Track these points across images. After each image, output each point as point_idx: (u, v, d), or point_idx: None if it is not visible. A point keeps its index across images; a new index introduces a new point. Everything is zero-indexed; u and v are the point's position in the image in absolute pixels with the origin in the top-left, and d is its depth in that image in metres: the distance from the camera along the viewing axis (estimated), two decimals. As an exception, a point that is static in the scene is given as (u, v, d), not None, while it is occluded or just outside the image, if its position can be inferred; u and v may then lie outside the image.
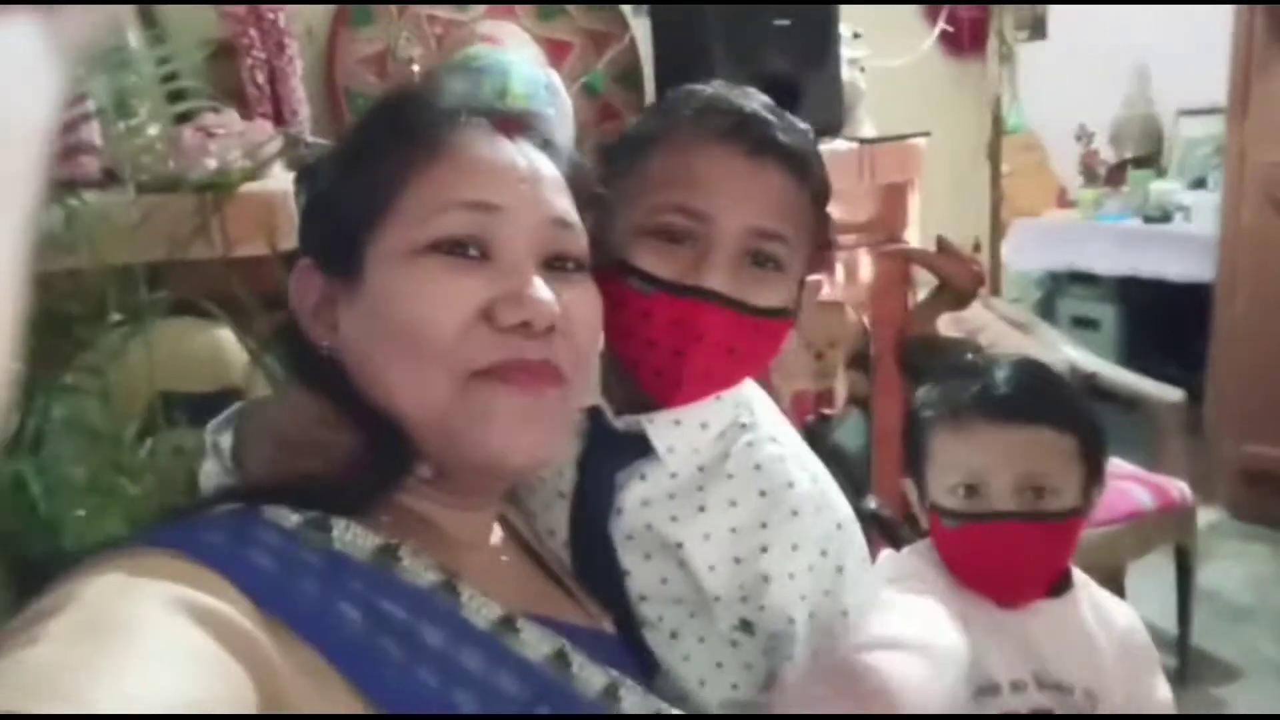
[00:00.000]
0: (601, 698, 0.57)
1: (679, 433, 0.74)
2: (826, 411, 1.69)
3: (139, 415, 1.31)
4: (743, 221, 0.69)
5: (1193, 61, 3.43)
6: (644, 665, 0.72)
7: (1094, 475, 0.89)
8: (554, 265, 0.60)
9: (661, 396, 0.72)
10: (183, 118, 1.45)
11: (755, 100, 0.72)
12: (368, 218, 0.57)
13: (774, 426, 0.78)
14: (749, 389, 0.79)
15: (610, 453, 0.75)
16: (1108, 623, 0.92)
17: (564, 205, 0.61)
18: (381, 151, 0.58)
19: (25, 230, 0.21)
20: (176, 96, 1.43)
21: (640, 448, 0.75)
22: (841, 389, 1.87)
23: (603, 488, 0.75)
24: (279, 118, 1.64)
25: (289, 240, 1.40)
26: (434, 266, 0.56)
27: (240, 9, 1.58)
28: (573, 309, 0.59)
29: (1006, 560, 0.85)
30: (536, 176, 0.59)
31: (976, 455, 0.85)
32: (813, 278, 0.75)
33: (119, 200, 1.28)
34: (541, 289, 0.56)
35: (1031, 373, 0.90)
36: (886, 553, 1.03)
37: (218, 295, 1.32)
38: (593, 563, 0.75)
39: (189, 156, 1.41)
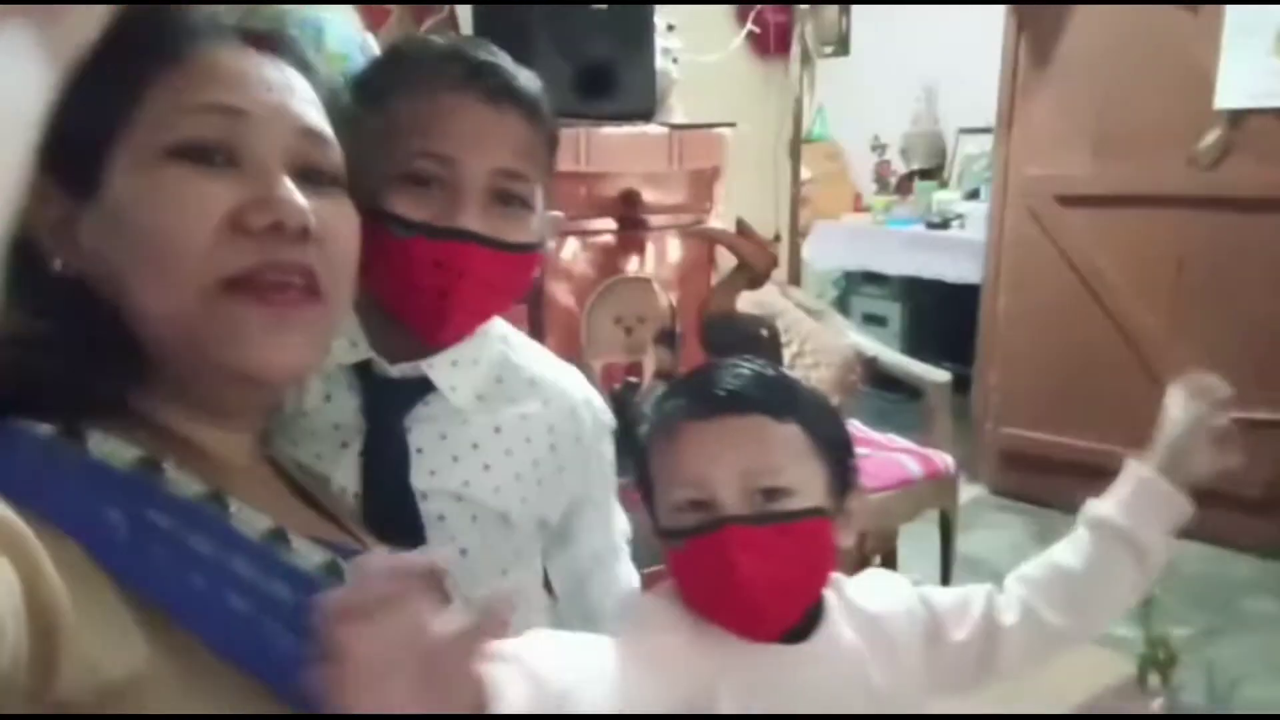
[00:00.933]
0: None
1: (458, 372, 0.80)
2: (632, 379, 1.77)
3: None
4: (488, 163, 0.73)
5: (974, 84, 3.78)
6: None
7: (840, 475, 0.76)
8: (309, 177, 0.58)
9: (431, 336, 0.77)
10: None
11: (491, 51, 0.77)
12: (106, 128, 0.54)
13: (528, 347, 0.88)
14: (498, 324, 0.86)
15: (393, 400, 0.78)
16: (869, 623, 0.78)
17: (315, 117, 0.59)
18: (120, 63, 0.53)
19: (6, 221, 0.21)
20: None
21: (420, 390, 0.79)
22: (649, 363, 1.96)
23: (395, 435, 0.78)
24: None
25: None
26: (178, 173, 0.54)
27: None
28: (328, 220, 0.58)
29: (739, 577, 0.68)
30: (286, 87, 0.58)
31: (692, 461, 0.71)
32: (553, 213, 0.82)
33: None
34: (292, 191, 0.55)
35: (742, 366, 0.76)
36: (634, 596, 0.94)
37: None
38: (390, 511, 0.77)
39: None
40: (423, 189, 0.73)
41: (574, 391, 0.88)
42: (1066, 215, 2.98)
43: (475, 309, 0.77)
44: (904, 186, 4.25)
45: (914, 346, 3.64)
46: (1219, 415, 0.82)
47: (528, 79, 0.77)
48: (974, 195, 3.94)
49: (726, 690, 0.69)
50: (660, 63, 1.95)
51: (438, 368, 0.79)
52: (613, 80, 1.83)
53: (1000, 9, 3.06)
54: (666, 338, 1.95)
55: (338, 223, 0.59)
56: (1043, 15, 2.95)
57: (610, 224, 1.88)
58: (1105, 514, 0.82)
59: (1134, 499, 0.81)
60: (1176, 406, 0.84)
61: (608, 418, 0.92)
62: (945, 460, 2.20)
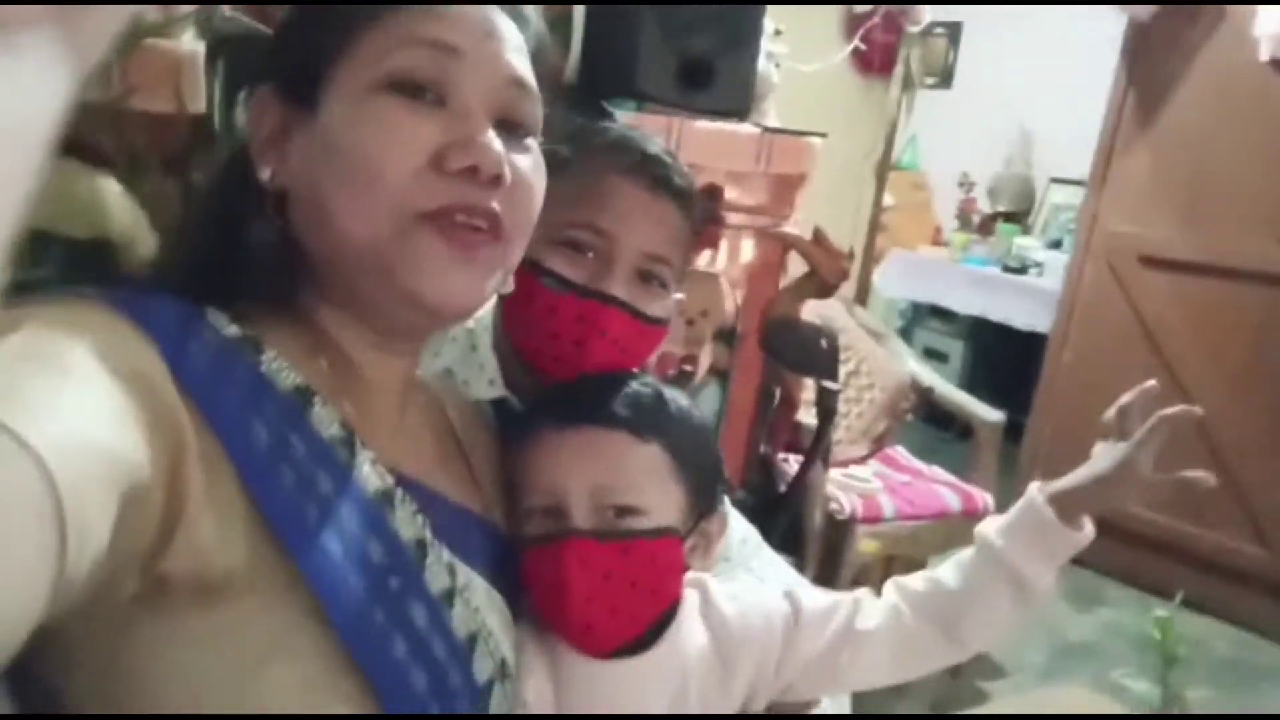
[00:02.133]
0: (440, 598, 0.61)
1: None
2: (687, 368, 1.79)
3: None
4: (640, 244, 0.81)
5: (1071, 135, 3.73)
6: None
7: (700, 499, 0.75)
8: (508, 128, 0.60)
9: (560, 379, 0.82)
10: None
11: (655, 144, 0.86)
12: (331, 47, 0.58)
13: None
14: None
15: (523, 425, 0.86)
16: (725, 625, 0.75)
17: (524, 68, 0.61)
18: None
19: (15, 224, 0.21)
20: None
21: None
22: (705, 358, 1.98)
23: None
24: (200, -16, 1.62)
25: (194, 104, 1.40)
26: (390, 106, 0.56)
27: None
28: (520, 170, 0.60)
29: (572, 592, 0.68)
30: (501, 35, 0.60)
31: (546, 468, 0.71)
32: (677, 296, 0.88)
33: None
34: (493, 139, 0.57)
35: (619, 381, 0.75)
36: None
37: (108, 144, 1.31)
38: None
39: (100, -3, 1.38)
40: (579, 254, 0.80)
41: None
42: (1147, 276, 2.93)
43: (604, 364, 0.82)
44: (986, 227, 4.20)
45: (971, 386, 3.59)
46: (1154, 437, 0.79)
47: (682, 174, 0.85)
48: (1056, 245, 3.88)
49: (562, 701, 0.70)
50: (762, 65, 1.97)
51: None
52: (713, 76, 1.85)
53: (1110, 63, 3.01)
54: (726, 335, 1.97)
55: (528, 173, 0.61)
56: (1153, 74, 2.90)
57: (687, 215, 1.91)
58: (987, 534, 0.79)
59: (1016, 524, 0.78)
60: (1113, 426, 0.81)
61: None
62: (985, 499, 2.18)
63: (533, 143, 0.63)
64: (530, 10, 0.65)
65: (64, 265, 1.20)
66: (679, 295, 0.89)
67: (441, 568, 0.61)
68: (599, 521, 0.70)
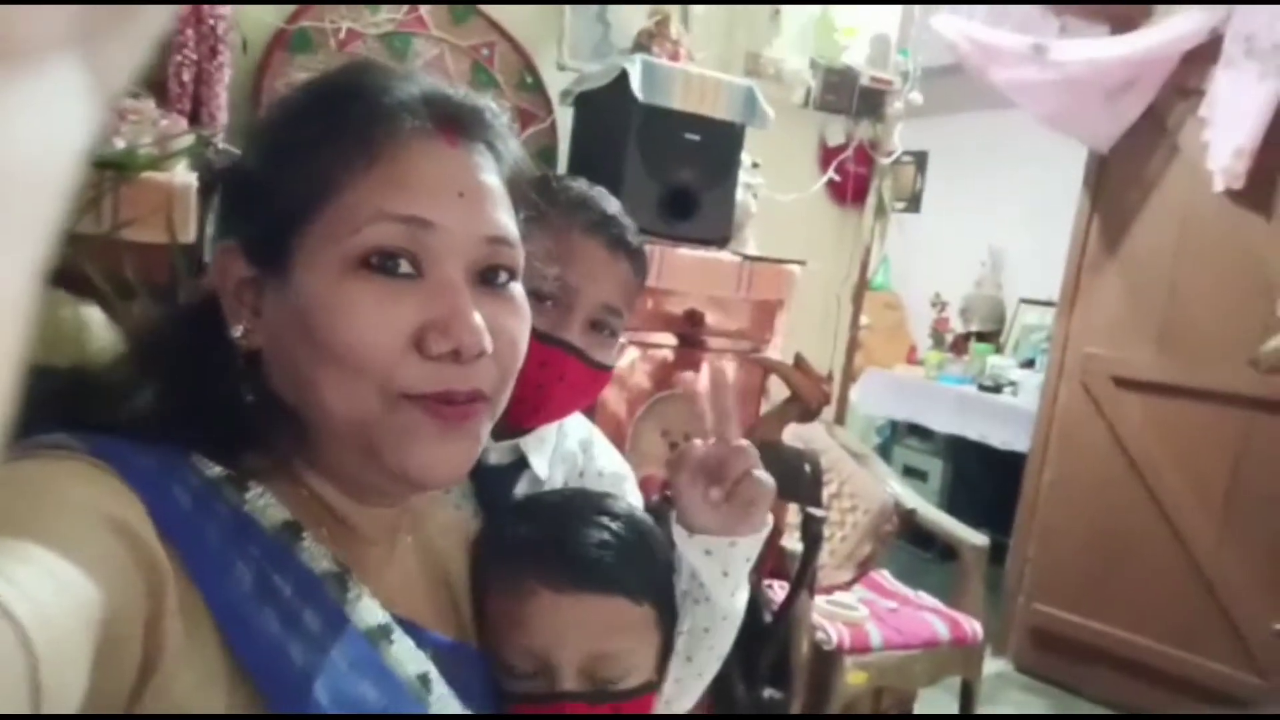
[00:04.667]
0: None
1: (543, 446, 0.95)
2: (669, 494, 1.77)
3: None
4: (598, 296, 0.89)
5: (1039, 257, 3.85)
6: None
7: (668, 645, 0.77)
8: (488, 278, 0.59)
9: (520, 420, 0.91)
10: (98, 95, 1.45)
11: (613, 204, 0.94)
12: (298, 214, 0.55)
13: (605, 449, 1.03)
14: (583, 424, 1.03)
15: (500, 483, 0.90)
16: None
17: (500, 220, 0.59)
18: (318, 149, 0.56)
19: (38, 270, 0.20)
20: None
21: (516, 470, 0.93)
22: (688, 482, 1.96)
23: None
24: (195, 118, 1.66)
25: (184, 234, 1.41)
26: (365, 288, 0.54)
27: (184, 8, 1.61)
28: (501, 326, 0.58)
29: None
30: (474, 188, 0.58)
31: (539, 633, 0.69)
32: (621, 340, 0.97)
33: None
34: (472, 317, 0.56)
35: (606, 530, 0.74)
36: None
37: (96, 274, 1.31)
38: None
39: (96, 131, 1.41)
40: (540, 303, 0.85)
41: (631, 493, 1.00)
42: (1123, 398, 2.97)
43: (561, 407, 0.92)
44: (959, 346, 4.28)
45: (952, 506, 3.59)
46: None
47: (635, 234, 0.94)
48: (1029, 364, 3.95)
49: None
50: (741, 195, 2.04)
51: (530, 442, 0.94)
52: (695, 206, 1.91)
53: (1074, 190, 3.13)
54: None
55: (510, 325, 0.60)
56: (1116, 203, 3.02)
57: (670, 340, 1.93)
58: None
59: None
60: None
61: None
62: (974, 627, 2.14)
63: (516, 287, 0.61)
64: (503, 129, 0.63)
65: (44, 393, 1.19)
66: (623, 340, 0.98)
67: (451, 701, 0.60)
68: (589, 682, 0.70)
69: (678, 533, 0.76)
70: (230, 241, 0.59)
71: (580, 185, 0.95)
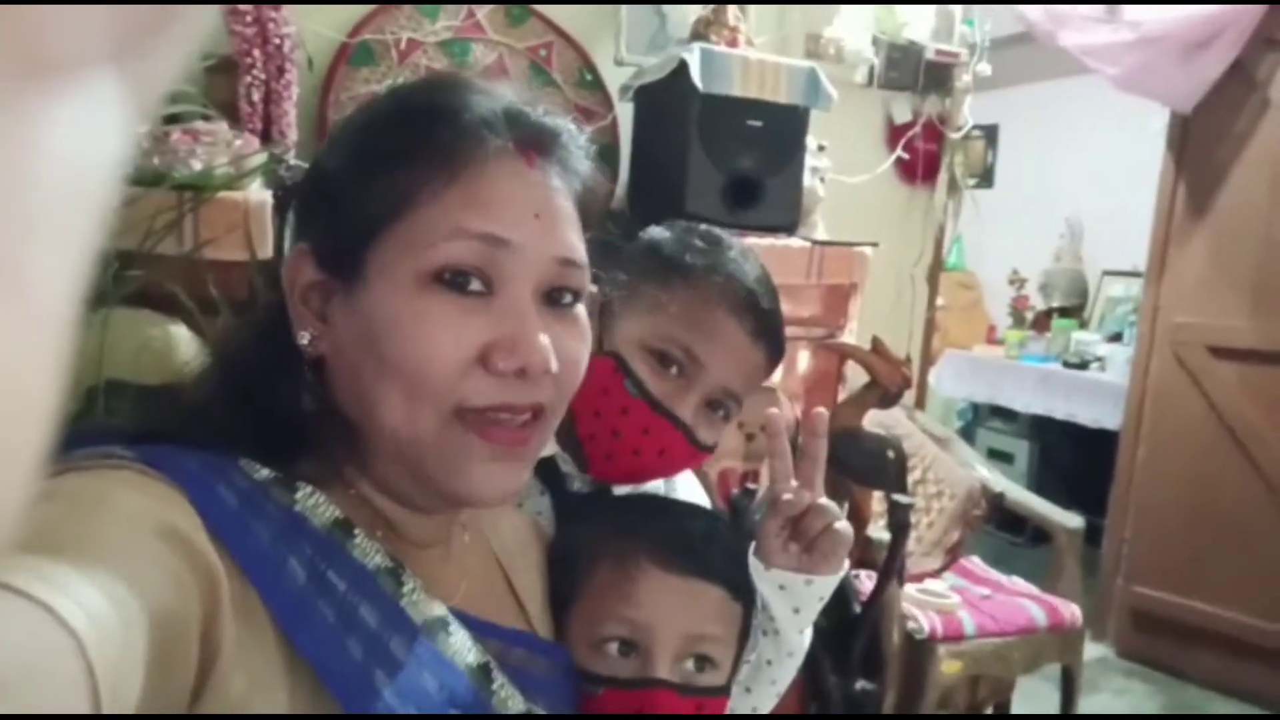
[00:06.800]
0: None
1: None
2: (750, 486, 1.75)
3: (79, 397, 1.31)
4: (724, 379, 0.82)
5: (1120, 226, 3.71)
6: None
7: (740, 652, 0.78)
8: (552, 298, 0.60)
9: (600, 473, 0.85)
10: (173, 119, 1.50)
11: (760, 274, 0.85)
12: (375, 224, 0.56)
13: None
14: None
15: (577, 510, 0.86)
16: None
17: (572, 241, 0.60)
18: (399, 160, 0.57)
19: (80, 281, 0.20)
20: (169, 99, 1.48)
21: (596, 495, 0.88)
22: (767, 472, 1.94)
23: None
24: (267, 136, 1.70)
25: (262, 250, 1.45)
26: (437, 303, 0.55)
27: (249, 30, 1.65)
28: (564, 347, 0.59)
29: None
30: (550, 210, 0.59)
31: (643, 608, 0.70)
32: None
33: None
34: (539, 338, 0.56)
35: (713, 525, 0.78)
36: None
37: (181, 293, 1.35)
38: None
39: (174, 156, 1.46)
40: (664, 367, 0.82)
41: None
42: (1218, 367, 2.84)
43: (650, 475, 0.86)
44: (1041, 323, 4.15)
45: (1040, 488, 3.48)
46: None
47: (779, 320, 0.85)
48: (1116, 338, 3.81)
49: None
50: (808, 180, 2.00)
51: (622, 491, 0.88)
52: (760, 193, 1.88)
53: (1152, 153, 3.00)
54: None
55: (573, 346, 0.60)
56: (1203, 164, 2.89)
57: (743, 331, 1.91)
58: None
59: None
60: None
61: None
62: (1073, 611, 2.07)
63: (580, 308, 0.62)
64: (579, 149, 0.63)
65: (137, 410, 1.23)
66: (774, 411, 0.89)
67: (514, 692, 0.60)
68: (679, 670, 0.71)
69: (754, 565, 0.76)
70: (303, 244, 0.59)
71: (737, 254, 0.86)
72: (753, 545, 0.77)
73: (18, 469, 0.20)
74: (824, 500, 0.76)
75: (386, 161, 0.57)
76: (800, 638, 0.79)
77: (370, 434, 0.58)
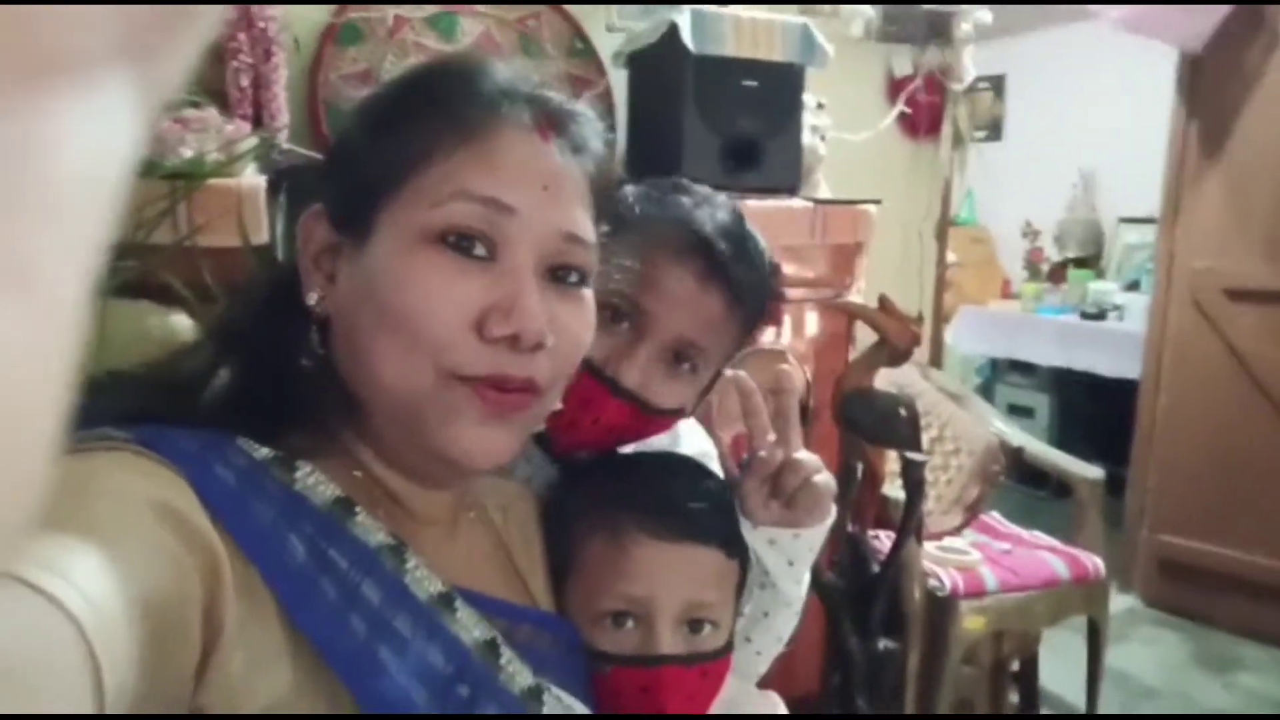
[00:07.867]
0: (524, 697, 0.59)
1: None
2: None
3: (78, 388, 1.30)
4: (677, 328, 0.76)
5: (1135, 172, 3.64)
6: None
7: (737, 607, 0.78)
8: (557, 275, 0.59)
9: (558, 450, 0.81)
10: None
11: (720, 218, 0.79)
12: (386, 184, 0.56)
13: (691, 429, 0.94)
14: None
15: (568, 476, 0.83)
16: None
17: (579, 218, 0.60)
18: (415, 121, 0.57)
19: (92, 278, 0.21)
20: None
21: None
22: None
23: None
24: (258, 121, 1.69)
25: (256, 235, 1.44)
26: (438, 261, 0.55)
27: (233, 15, 1.63)
28: (564, 325, 0.59)
29: (671, 712, 0.70)
30: (559, 183, 0.58)
31: (639, 580, 0.69)
32: (727, 374, 0.83)
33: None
34: (534, 306, 0.56)
35: (701, 483, 0.76)
36: None
37: (177, 282, 1.34)
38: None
39: (164, 144, 1.44)
40: (610, 324, 0.76)
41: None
42: (1237, 311, 2.79)
43: (586, 445, 0.80)
44: (1056, 274, 4.08)
45: (1062, 441, 3.45)
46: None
47: (747, 261, 0.79)
48: (1134, 286, 3.75)
49: None
50: (808, 139, 1.97)
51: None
52: (759, 155, 1.86)
53: (1164, 96, 2.94)
54: (799, 411, 1.91)
55: (573, 326, 0.60)
56: (1214, 105, 2.82)
57: (749, 294, 1.88)
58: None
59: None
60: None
61: None
62: (1095, 563, 2.05)
63: (586, 290, 0.61)
64: (595, 135, 0.63)
65: (138, 399, 1.23)
66: (741, 373, 0.84)
67: (521, 667, 0.60)
68: (680, 636, 0.71)
69: (742, 523, 0.76)
70: (319, 206, 0.60)
71: (694, 198, 0.81)
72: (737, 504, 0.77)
73: (34, 459, 0.20)
74: (801, 454, 0.75)
75: (403, 122, 0.58)
76: (798, 588, 0.79)
77: (367, 393, 0.58)
